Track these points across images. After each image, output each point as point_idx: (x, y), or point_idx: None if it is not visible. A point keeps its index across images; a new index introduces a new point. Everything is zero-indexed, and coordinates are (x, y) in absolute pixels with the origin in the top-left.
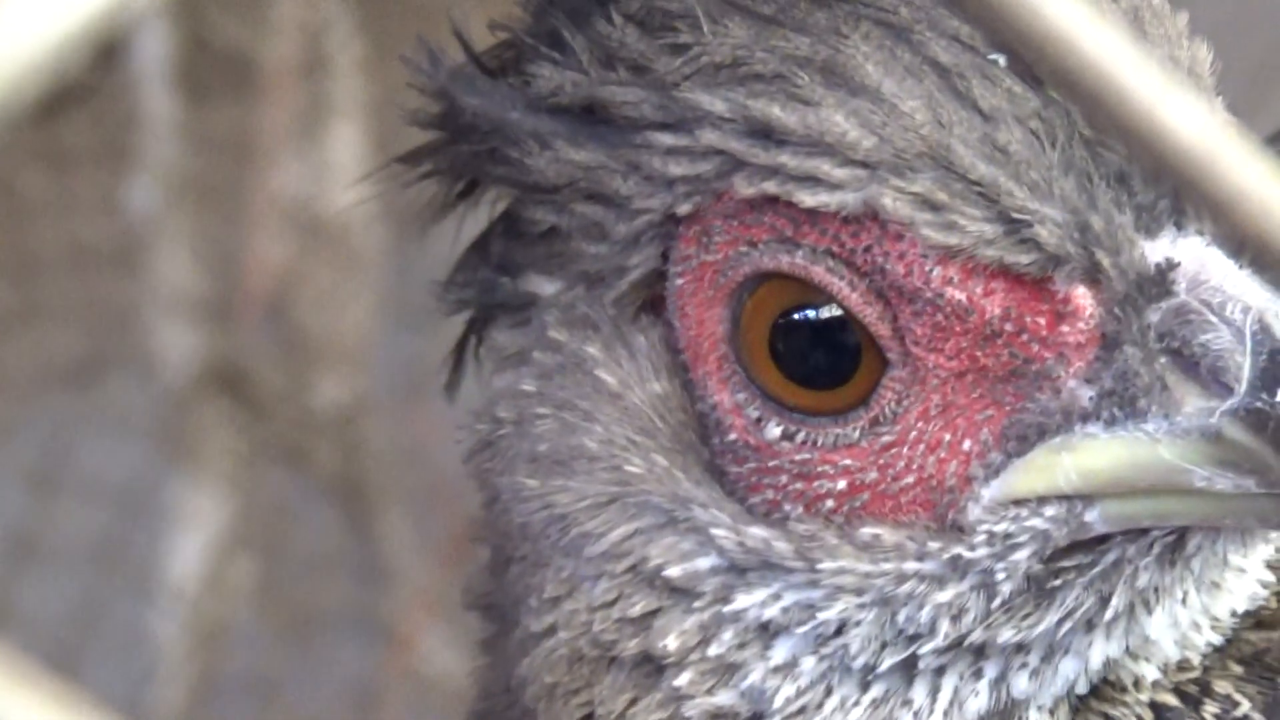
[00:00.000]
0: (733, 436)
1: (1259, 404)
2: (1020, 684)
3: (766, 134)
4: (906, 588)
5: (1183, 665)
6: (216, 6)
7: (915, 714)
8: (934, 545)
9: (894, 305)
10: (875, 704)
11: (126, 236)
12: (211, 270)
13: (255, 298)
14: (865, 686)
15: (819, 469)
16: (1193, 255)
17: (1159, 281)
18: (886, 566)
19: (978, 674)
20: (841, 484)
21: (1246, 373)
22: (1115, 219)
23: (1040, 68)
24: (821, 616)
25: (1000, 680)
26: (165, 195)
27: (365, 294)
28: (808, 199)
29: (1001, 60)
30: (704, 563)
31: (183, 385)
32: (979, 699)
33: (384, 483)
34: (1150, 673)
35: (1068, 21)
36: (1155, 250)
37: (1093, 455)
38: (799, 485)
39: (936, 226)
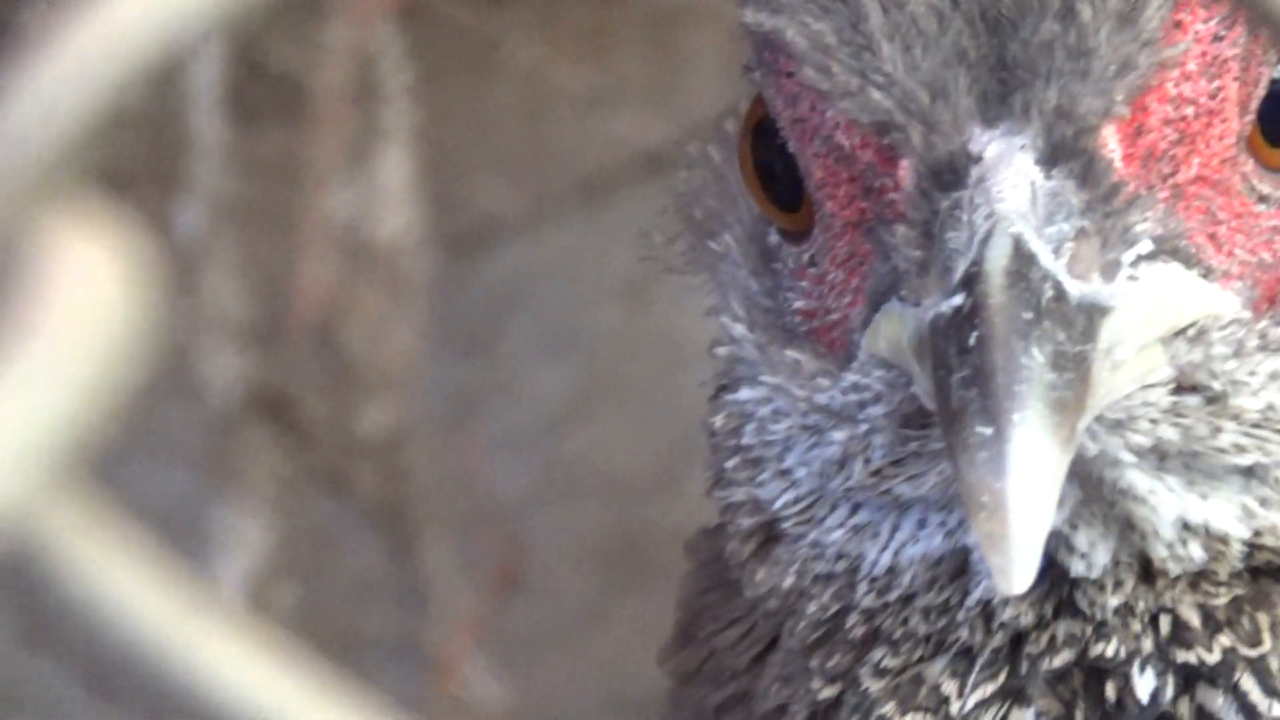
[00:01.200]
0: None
1: (939, 310)
2: (937, 541)
3: None
4: (815, 419)
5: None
6: (269, 31)
7: (879, 549)
8: (825, 382)
9: (803, 141)
10: (855, 529)
11: (172, 259)
12: (259, 295)
13: (302, 323)
14: (846, 509)
15: (790, 284)
16: (999, 153)
17: (955, 170)
18: (800, 393)
19: (903, 519)
20: (800, 303)
21: (956, 280)
22: (951, 99)
23: None
24: (773, 429)
25: (923, 528)
26: (213, 219)
27: (412, 320)
28: (748, 15)
29: None
30: (722, 350)
31: (228, 410)
32: (918, 545)
33: (427, 509)
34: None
35: None
36: (977, 141)
37: (886, 327)
38: (785, 298)
39: (816, 67)
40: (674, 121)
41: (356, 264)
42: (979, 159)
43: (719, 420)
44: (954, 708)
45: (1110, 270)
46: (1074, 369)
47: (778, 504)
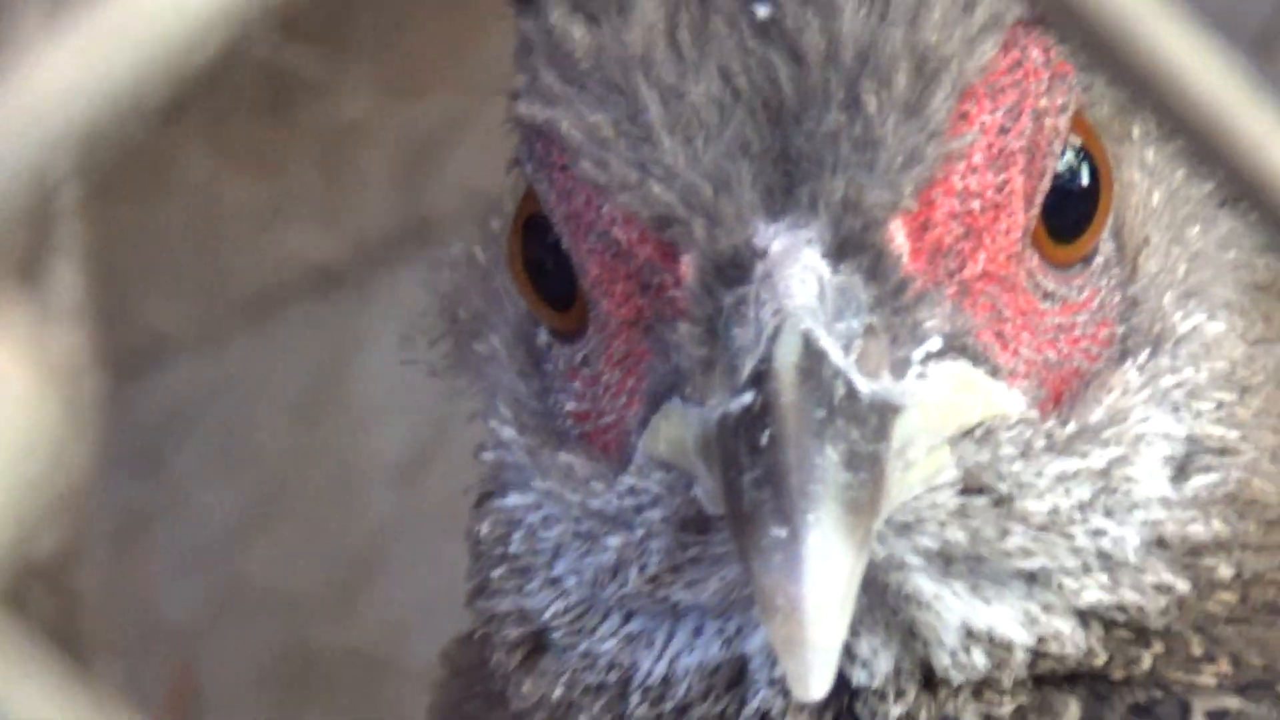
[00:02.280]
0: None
1: (728, 409)
2: (714, 649)
3: (523, 43)
4: (589, 525)
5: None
6: None
7: (653, 658)
8: (599, 486)
9: (578, 237)
10: (629, 638)
11: None
12: None
13: None
14: (618, 617)
15: (561, 385)
16: (785, 247)
17: (740, 265)
18: (573, 498)
19: (678, 627)
20: (572, 405)
21: (744, 378)
22: (735, 192)
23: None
24: (544, 536)
25: (699, 636)
26: None
27: (81, 429)
28: (521, 107)
29: (763, 11)
30: (488, 455)
31: None
32: (694, 654)
33: (101, 631)
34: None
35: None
36: (763, 235)
37: (667, 428)
38: (555, 400)
39: (593, 160)
40: (346, 238)
41: None
42: (764, 253)
43: (484, 528)
44: None
45: (900, 368)
46: (868, 469)
47: (547, 614)
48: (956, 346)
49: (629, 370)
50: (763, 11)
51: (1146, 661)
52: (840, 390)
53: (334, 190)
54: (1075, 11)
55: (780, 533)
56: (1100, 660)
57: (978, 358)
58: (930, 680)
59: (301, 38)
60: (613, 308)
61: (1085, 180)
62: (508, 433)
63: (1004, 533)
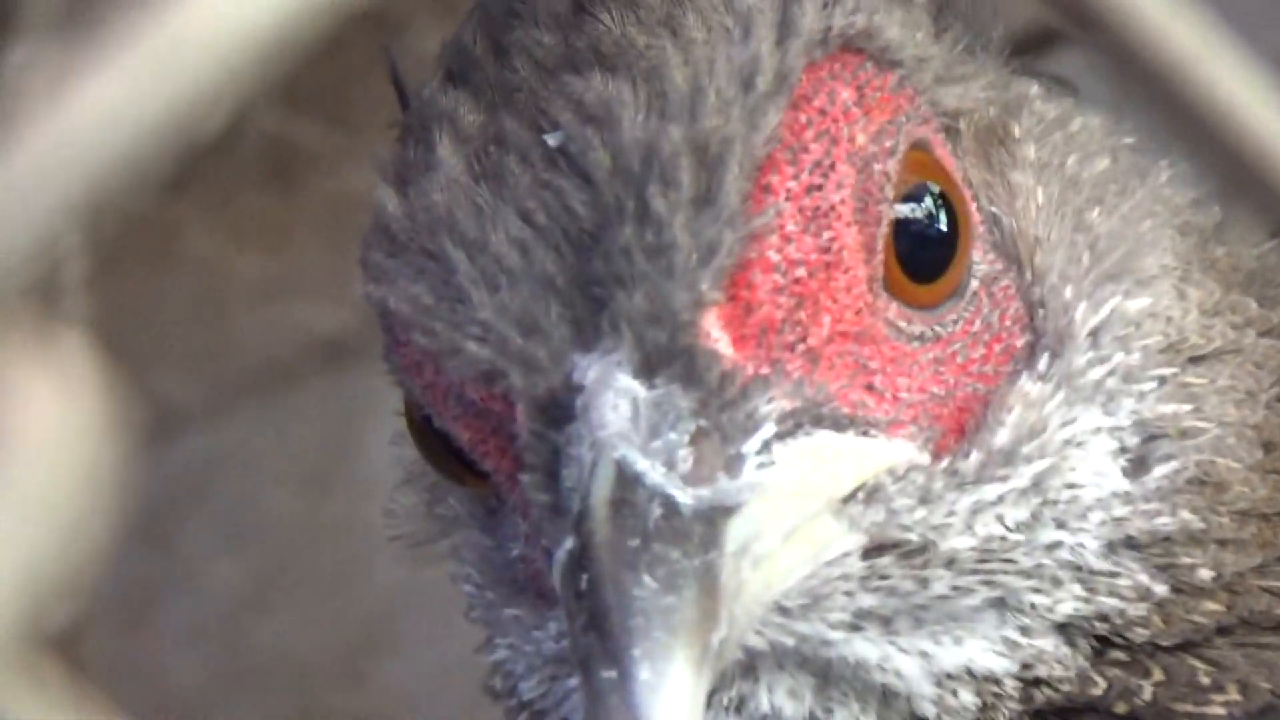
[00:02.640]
0: None
1: (559, 556)
2: None
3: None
4: (552, 669)
5: None
6: None
7: None
8: (539, 634)
9: (441, 406)
10: None
11: None
12: None
13: None
14: None
15: (510, 533)
16: (598, 376)
17: (561, 405)
18: (528, 648)
19: None
20: (516, 551)
21: (572, 519)
22: (544, 332)
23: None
24: (533, 685)
25: None
26: None
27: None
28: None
29: (554, 140)
30: (474, 614)
31: None
32: None
33: (109, 701)
34: None
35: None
36: (579, 370)
37: (554, 573)
38: (509, 548)
39: (421, 330)
40: (352, 310)
41: None
42: (580, 388)
43: (497, 682)
44: None
45: (735, 464)
46: (696, 584)
47: None
48: (810, 419)
49: (525, 518)
50: (553, 140)
51: (1148, 692)
52: (656, 511)
53: (341, 262)
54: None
55: (611, 674)
56: (1099, 690)
57: (841, 422)
58: None
59: (306, 110)
60: (494, 465)
61: (943, 223)
62: (472, 590)
63: (923, 582)
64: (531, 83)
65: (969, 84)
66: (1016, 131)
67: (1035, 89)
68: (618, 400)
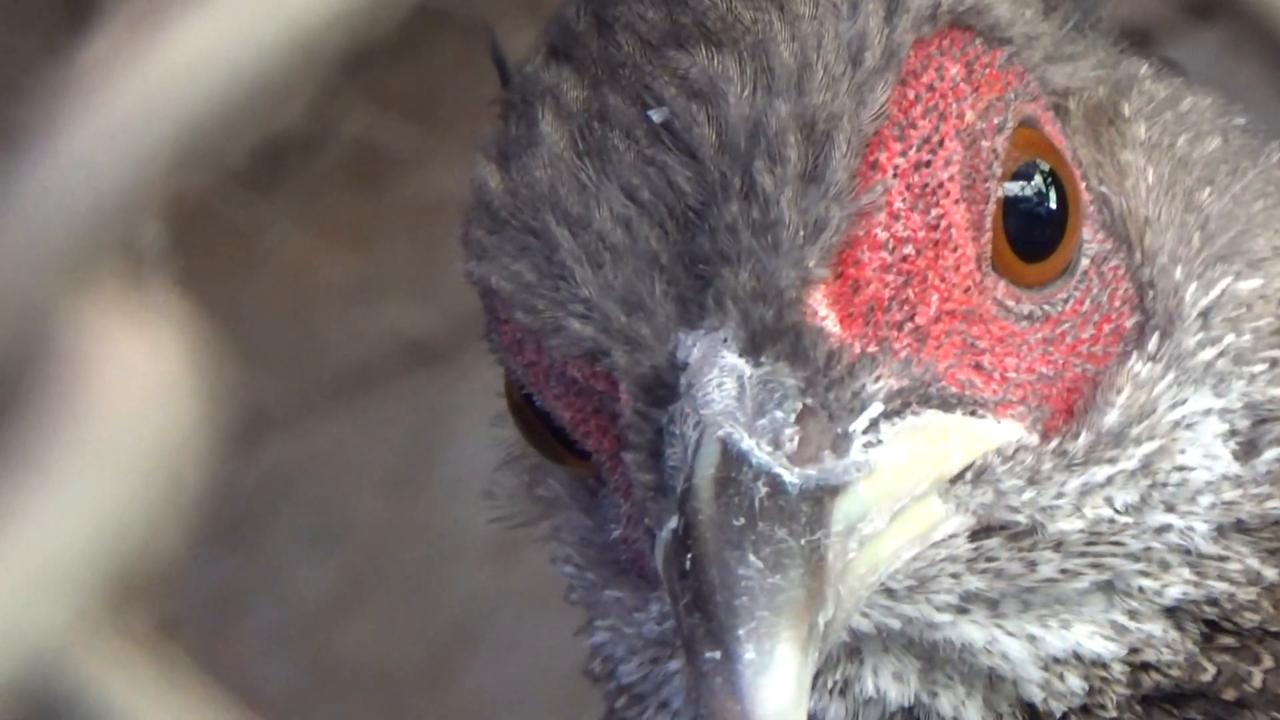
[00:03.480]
0: None
1: (664, 535)
2: None
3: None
4: (653, 652)
5: None
6: None
7: None
8: (640, 616)
9: (542, 386)
10: None
11: None
12: None
13: None
14: None
15: (611, 514)
16: (703, 354)
17: (665, 384)
18: (629, 630)
19: None
20: (618, 533)
21: (677, 498)
22: (649, 310)
23: None
24: (632, 669)
25: None
26: None
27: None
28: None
29: (658, 116)
30: (574, 596)
31: None
32: None
33: (190, 681)
34: None
35: None
36: (684, 348)
37: (658, 553)
38: (610, 529)
39: (524, 308)
40: (439, 311)
41: None
42: (685, 365)
43: (596, 665)
44: None
45: (842, 444)
46: (802, 564)
47: None
48: (919, 398)
49: (627, 498)
50: (657, 116)
51: (1258, 679)
52: (762, 491)
53: (427, 264)
54: None
55: (715, 655)
56: (1208, 676)
57: (949, 402)
58: (1035, 715)
59: (394, 113)
60: (595, 445)
61: (1053, 202)
62: (572, 571)
63: (1031, 565)
64: (635, 58)
65: (1078, 63)
66: (1126, 111)
67: (1145, 69)
68: (723, 378)
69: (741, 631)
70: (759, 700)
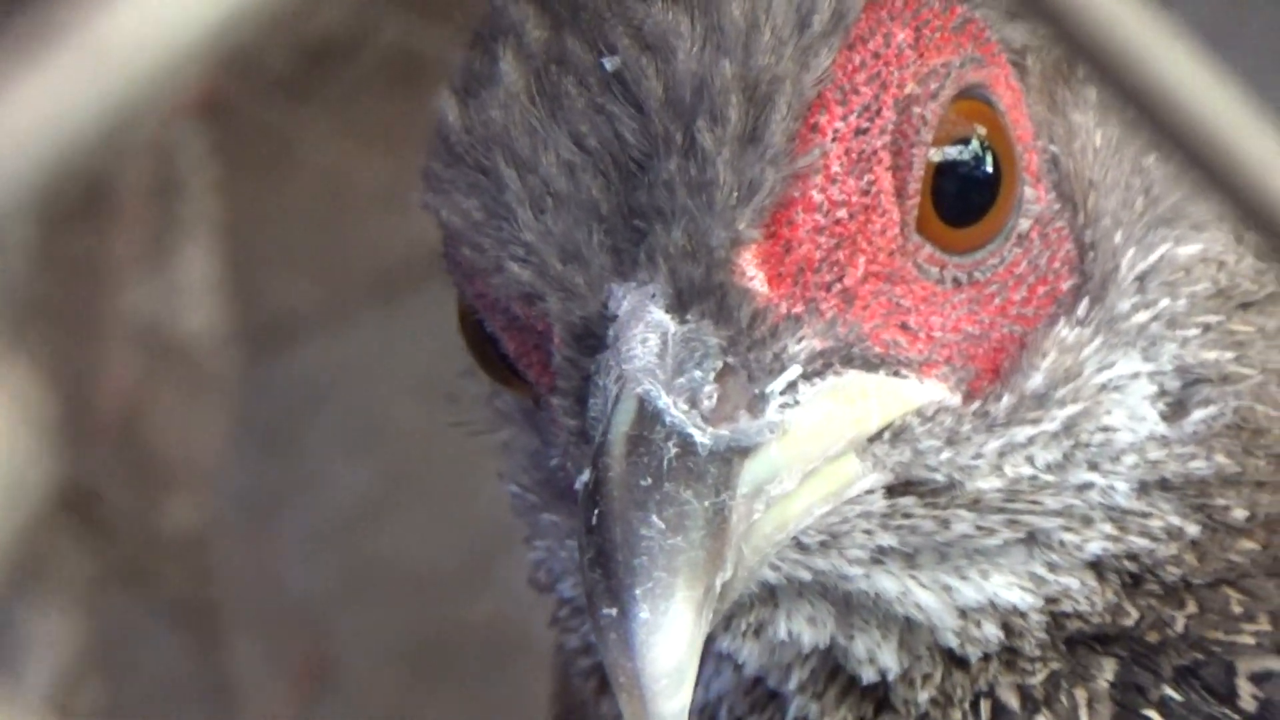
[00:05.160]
0: None
1: (577, 487)
2: (730, 676)
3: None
4: (559, 567)
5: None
6: None
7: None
8: (573, 543)
9: (491, 315)
10: None
11: None
12: (61, 393)
13: (106, 420)
14: None
15: (550, 439)
16: (631, 307)
17: (595, 333)
18: (563, 554)
19: (706, 658)
20: (556, 459)
21: (594, 450)
22: (584, 259)
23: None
24: (568, 586)
25: (721, 664)
26: (14, 318)
27: (215, 416)
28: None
29: (610, 65)
30: (515, 509)
31: (32, 508)
32: (723, 678)
33: (234, 607)
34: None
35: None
36: (615, 299)
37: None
38: (550, 453)
39: (470, 245)
40: None
41: (159, 361)
42: (614, 317)
43: (540, 575)
44: None
45: (757, 404)
46: (704, 526)
47: None
48: (842, 358)
49: (560, 434)
50: (610, 65)
51: (1180, 624)
52: (672, 451)
53: None
54: (1077, 31)
55: (612, 611)
56: (1130, 620)
57: (872, 362)
58: (955, 659)
59: (431, 18)
60: (535, 376)
61: (989, 166)
62: (516, 490)
63: (945, 523)
64: (598, 2)
65: (1030, 22)
66: (1081, 73)
67: None
68: (647, 334)
69: (638, 591)
70: (650, 659)
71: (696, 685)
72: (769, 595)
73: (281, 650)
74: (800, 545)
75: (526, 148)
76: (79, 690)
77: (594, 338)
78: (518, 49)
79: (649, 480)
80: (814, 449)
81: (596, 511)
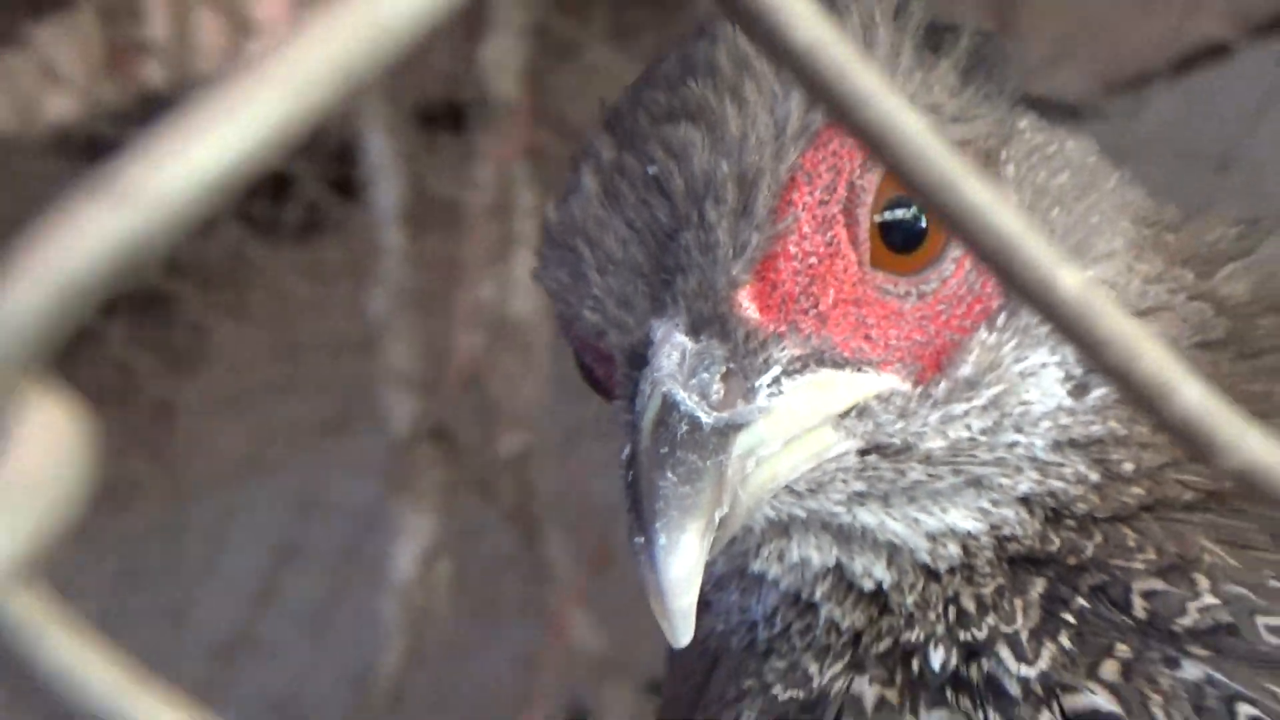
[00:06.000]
0: None
1: (623, 455)
2: (774, 596)
3: None
4: None
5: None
6: (433, 164)
7: (757, 603)
8: None
9: (582, 351)
10: (743, 593)
11: (366, 330)
12: (427, 356)
13: (458, 376)
14: (734, 586)
15: None
16: (662, 335)
17: (640, 355)
18: None
19: (758, 585)
20: None
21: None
22: (632, 305)
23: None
24: None
25: (767, 588)
26: (394, 303)
27: (537, 373)
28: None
29: (651, 170)
30: None
31: (404, 438)
32: (772, 596)
33: (548, 510)
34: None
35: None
36: (653, 331)
37: None
38: None
39: (561, 302)
40: None
41: (497, 334)
42: (652, 343)
43: None
44: (815, 682)
45: (750, 394)
46: (706, 479)
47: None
48: (817, 360)
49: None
50: (651, 170)
51: (1090, 551)
52: (684, 428)
53: None
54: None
55: (640, 541)
56: (1054, 547)
57: (839, 363)
58: (931, 572)
59: None
60: (612, 390)
61: (923, 222)
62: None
63: (902, 473)
64: (645, 129)
65: (974, 123)
66: (1003, 156)
67: (1027, 122)
68: (671, 351)
69: (658, 525)
70: (667, 572)
71: (756, 602)
72: (783, 530)
73: (580, 541)
74: (794, 492)
75: (596, 231)
76: (434, 568)
77: (639, 358)
78: (594, 167)
79: (666, 449)
80: (793, 423)
81: (631, 473)
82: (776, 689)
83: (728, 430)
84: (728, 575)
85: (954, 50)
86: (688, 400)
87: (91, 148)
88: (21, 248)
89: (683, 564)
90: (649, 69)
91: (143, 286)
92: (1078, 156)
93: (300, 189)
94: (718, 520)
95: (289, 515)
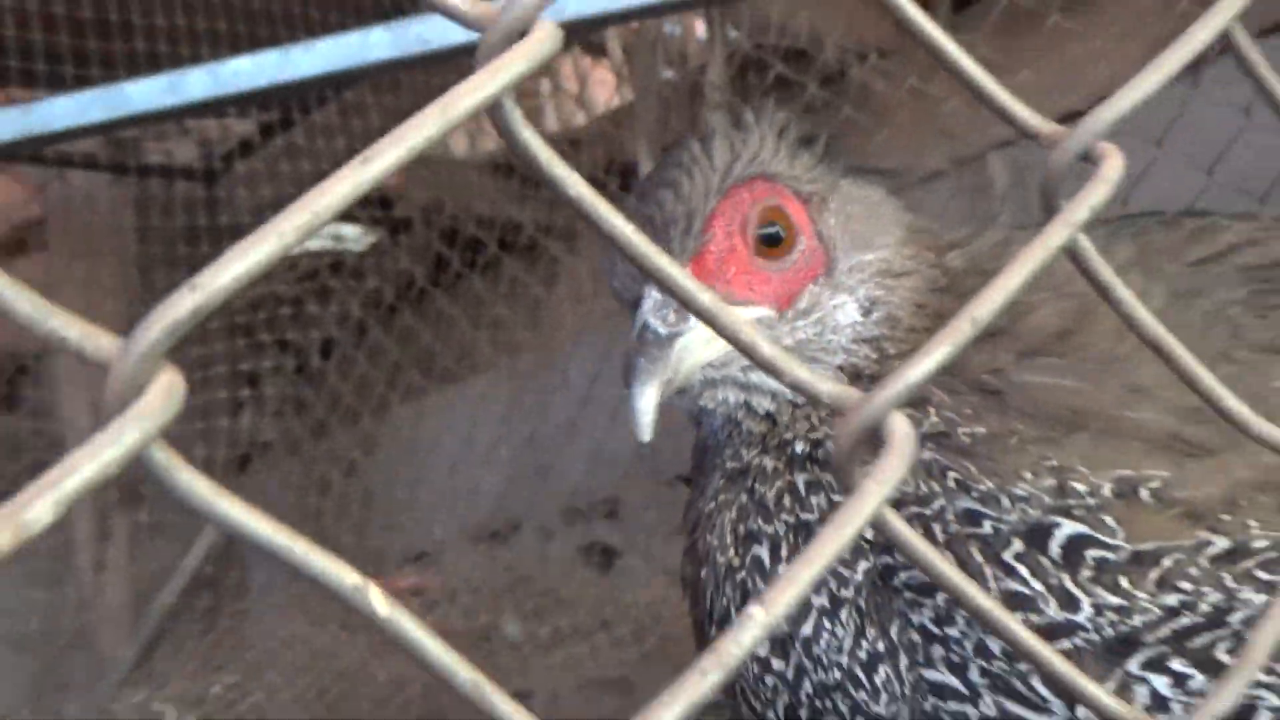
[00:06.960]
0: None
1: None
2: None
3: None
4: None
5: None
6: None
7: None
8: None
9: (620, 303)
10: (729, 412)
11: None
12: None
13: None
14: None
15: None
16: (647, 294)
17: (638, 304)
18: None
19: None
20: None
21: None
22: (634, 281)
23: None
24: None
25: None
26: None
27: None
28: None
29: (648, 211)
30: None
31: None
32: (714, 419)
33: None
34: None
35: None
36: (645, 294)
37: None
38: None
39: (607, 279)
40: None
41: None
42: (643, 298)
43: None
44: (743, 458)
45: (686, 321)
46: (660, 361)
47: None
48: (725, 302)
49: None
50: (648, 211)
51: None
52: (651, 336)
53: None
54: None
55: (627, 390)
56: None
57: (738, 304)
58: (795, 405)
59: None
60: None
61: (782, 233)
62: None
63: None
64: (649, 192)
65: (816, 182)
66: (831, 202)
67: (847, 181)
68: (649, 303)
69: (635, 385)
70: (638, 407)
71: (712, 423)
72: (713, 385)
73: None
74: (713, 365)
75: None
76: None
77: (637, 304)
78: (625, 210)
79: (642, 345)
80: (705, 335)
81: (627, 360)
82: (729, 464)
83: (674, 338)
84: (703, 411)
85: (813, 147)
86: (654, 323)
87: (508, 168)
88: (206, 267)
89: (646, 403)
90: (655, 166)
91: None
92: (874, 196)
93: None
94: (667, 381)
95: None
